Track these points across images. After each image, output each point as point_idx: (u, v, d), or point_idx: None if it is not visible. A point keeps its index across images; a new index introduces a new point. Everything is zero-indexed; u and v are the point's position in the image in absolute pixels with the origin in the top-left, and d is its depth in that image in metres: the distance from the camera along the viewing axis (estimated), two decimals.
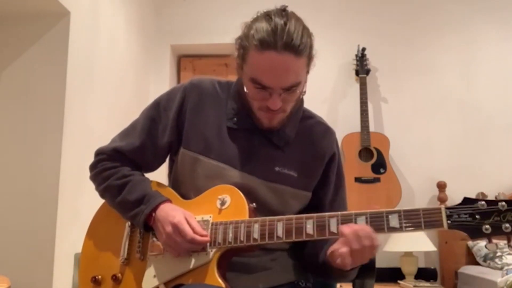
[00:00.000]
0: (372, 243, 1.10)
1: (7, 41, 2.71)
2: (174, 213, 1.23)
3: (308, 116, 1.44)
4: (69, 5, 2.70)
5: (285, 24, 1.18)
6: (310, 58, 1.26)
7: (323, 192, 1.40)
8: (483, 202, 1.03)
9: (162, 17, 4.30)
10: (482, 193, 1.03)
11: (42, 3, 2.58)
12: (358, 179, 3.74)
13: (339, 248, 1.12)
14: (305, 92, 1.30)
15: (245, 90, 1.27)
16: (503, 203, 1.01)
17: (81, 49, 2.84)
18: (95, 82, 3.05)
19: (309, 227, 1.15)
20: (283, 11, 1.23)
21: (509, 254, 3.23)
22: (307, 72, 1.28)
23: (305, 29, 1.23)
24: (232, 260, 1.25)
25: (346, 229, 1.10)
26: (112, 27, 3.36)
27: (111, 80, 3.30)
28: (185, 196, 1.34)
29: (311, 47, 1.24)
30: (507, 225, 1.00)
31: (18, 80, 2.68)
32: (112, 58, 3.35)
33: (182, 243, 1.19)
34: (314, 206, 1.37)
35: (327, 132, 1.44)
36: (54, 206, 2.54)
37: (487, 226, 1.02)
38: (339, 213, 1.15)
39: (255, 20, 1.24)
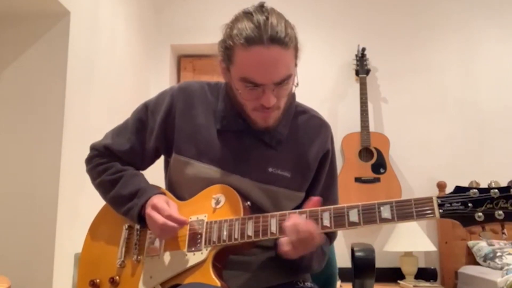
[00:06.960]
0: (308, 236, 1.13)
1: (7, 41, 2.71)
2: (156, 199, 1.26)
3: (301, 111, 1.41)
4: (69, 5, 2.70)
5: (267, 18, 1.17)
6: (296, 49, 1.23)
7: (312, 189, 1.37)
8: (475, 190, 1.03)
9: (162, 17, 4.32)
10: (475, 181, 1.03)
11: (42, 3, 2.58)
12: (358, 179, 3.74)
13: (281, 239, 1.17)
14: (297, 84, 1.28)
15: (236, 91, 1.26)
16: (496, 190, 1.02)
17: (81, 49, 2.85)
18: (95, 82, 3.06)
19: None
20: (262, 7, 1.22)
21: (509, 254, 3.22)
22: (296, 64, 1.25)
23: (287, 21, 1.21)
24: (231, 258, 1.25)
25: (286, 223, 1.15)
26: (112, 27, 3.37)
27: (111, 80, 3.31)
28: (180, 198, 1.35)
29: (296, 38, 1.22)
30: (500, 212, 1.01)
31: (18, 80, 2.67)
32: (112, 58, 3.35)
33: (159, 219, 1.21)
34: (302, 204, 1.35)
35: (321, 127, 1.40)
36: (54, 206, 2.54)
37: (480, 214, 1.02)
38: (331, 207, 1.16)
39: (236, 20, 1.23)
